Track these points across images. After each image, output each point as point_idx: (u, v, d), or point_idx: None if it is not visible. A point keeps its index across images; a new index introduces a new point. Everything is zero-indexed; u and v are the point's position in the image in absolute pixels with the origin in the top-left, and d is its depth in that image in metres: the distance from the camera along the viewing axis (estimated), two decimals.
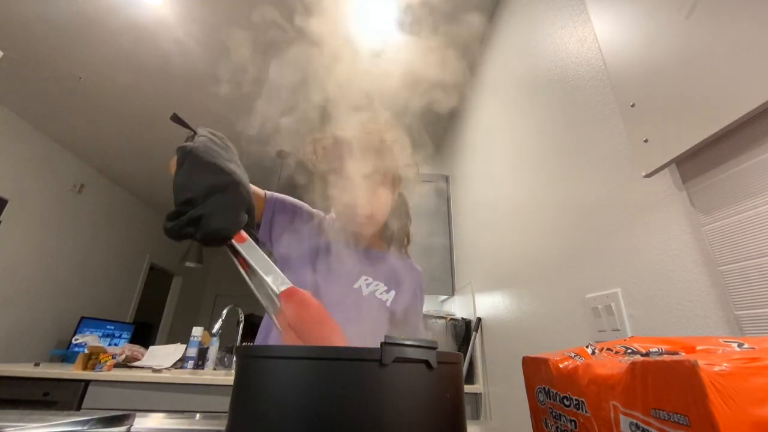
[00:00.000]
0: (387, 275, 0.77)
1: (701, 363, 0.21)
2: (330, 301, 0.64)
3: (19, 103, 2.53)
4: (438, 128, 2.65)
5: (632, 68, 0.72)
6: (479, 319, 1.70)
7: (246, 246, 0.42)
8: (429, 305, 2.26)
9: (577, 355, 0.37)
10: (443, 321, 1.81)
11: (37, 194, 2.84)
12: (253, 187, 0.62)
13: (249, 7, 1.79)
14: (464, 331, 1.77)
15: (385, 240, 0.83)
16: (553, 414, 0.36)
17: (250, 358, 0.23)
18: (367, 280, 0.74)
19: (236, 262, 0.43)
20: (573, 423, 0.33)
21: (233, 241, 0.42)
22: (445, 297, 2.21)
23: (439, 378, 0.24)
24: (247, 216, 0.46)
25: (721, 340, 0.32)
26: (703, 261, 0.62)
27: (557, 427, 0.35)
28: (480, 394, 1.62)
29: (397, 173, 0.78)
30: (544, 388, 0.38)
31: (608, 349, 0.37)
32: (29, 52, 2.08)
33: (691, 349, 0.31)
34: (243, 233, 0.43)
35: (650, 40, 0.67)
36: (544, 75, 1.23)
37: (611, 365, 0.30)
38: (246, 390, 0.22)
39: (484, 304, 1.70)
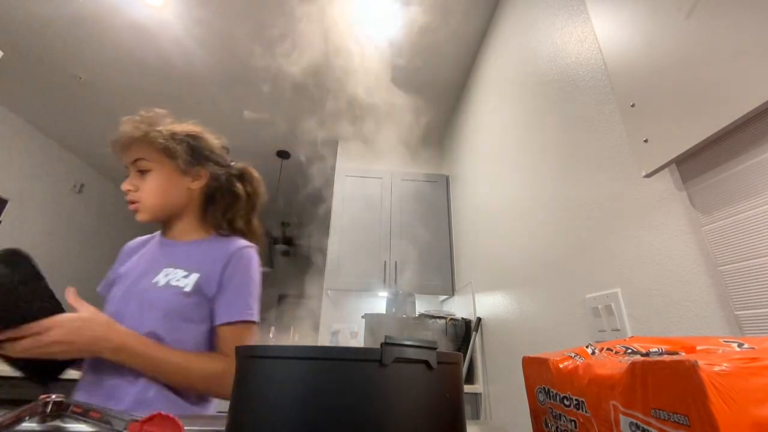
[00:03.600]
0: (188, 261, 0.73)
1: (701, 363, 0.21)
2: (114, 302, 0.69)
3: (20, 103, 2.53)
4: (439, 128, 2.65)
5: (632, 68, 0.72)
6: (479, 319, 1.70)
7: None
8: (429, 305, 2.26)
9: (577, 355, 0.37)
10: (443, 321, 1.81)
11: (37, 194, 2.84)
12: None
13: (249, 7, 1.79)
14: (464, 331, 1.77)
15: (196, 228, 0.80)
16: (553, 414, 0.36)
17: (250, 357, 0.23)
18: (167, 272, 0.71)
19: None
20: (573, 423, 0.33)
21: None
22: (445, 297, 2.21)
23: (439, 378, 0.24)
24: None
25: (721, 340, 0.32)
26: (703, 261, 0.62)
27: (557, 427, 0.35)
28: (480, 394, 1.62)
29: (177, 149, 0.75)
30: (544, 388, 0.38)
31: (608, 349, 0.37)
32: (29, 52, 2.08)
33: (691, 349, 0.31)
34: None
35: (650, 40, 0.67)
36: (544, 75, 1.23)
37: (611, 365, 0.30)
38: (246, 390, 0.22)
39: (484, 304, 1.70)
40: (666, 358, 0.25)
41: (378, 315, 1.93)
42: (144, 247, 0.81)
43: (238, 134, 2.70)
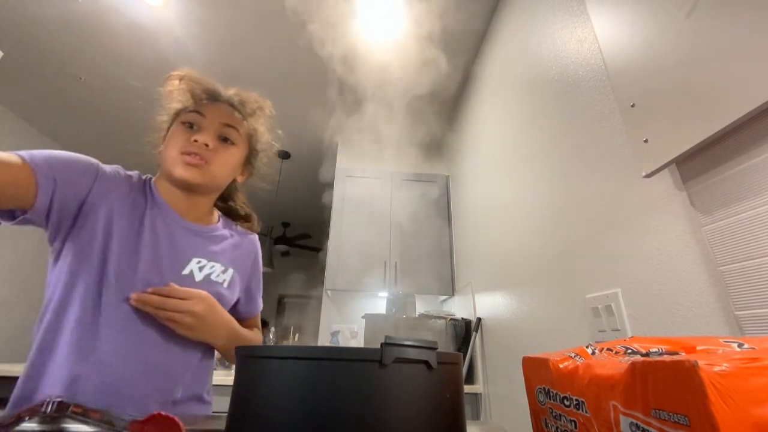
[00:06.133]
0: (222, 255, 0.68)
1: (701, 363, 0.21)
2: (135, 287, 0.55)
3: (19, 103, 2.53)
4: (439, 129, 2.66)
5: (632, 68, 0.72)
6: (479, 320, 1.70)
7: None
8: (429, 305, 2.26)
9: (577, 355, 0.37)
10: (443, 321, 1.81)
11: None
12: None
13: (248, 7, 1.79)
14: (464, 331, 1.77)
15: (211, 209, 0.73)
16: (553, 414, 0.36)
17: (251, 358, 0.23)
18: (200, 262, 0.64)
19: None
20: (573, 423, 0.33)
21: None
22: (445, 297, 2.21)
23: (439, 378, 0.24)
24: None
25: (721, 340, 0.32)
26: (703, 261, 0.62)
27: (557, 428, 0.35)
28: (480, 394, 1.62)
29: (256, 145, 0.73)
30: (544, 388, 0.38)
31: (608, 349, 0.37)
32: (30, 52, 2.09)
33: (691, 350, 0.31)
34: None
35: (650, 40, 0.67)
36: (544, 75, 1.23)
37: (611, 365, 0.30)
38: (246, 390, 0.22)
39: (484, 304, 1.70)
40: (666, 358, 0.25)
41: (378, 315, 1.93)
42: (135, 204, 0.61)
43: None
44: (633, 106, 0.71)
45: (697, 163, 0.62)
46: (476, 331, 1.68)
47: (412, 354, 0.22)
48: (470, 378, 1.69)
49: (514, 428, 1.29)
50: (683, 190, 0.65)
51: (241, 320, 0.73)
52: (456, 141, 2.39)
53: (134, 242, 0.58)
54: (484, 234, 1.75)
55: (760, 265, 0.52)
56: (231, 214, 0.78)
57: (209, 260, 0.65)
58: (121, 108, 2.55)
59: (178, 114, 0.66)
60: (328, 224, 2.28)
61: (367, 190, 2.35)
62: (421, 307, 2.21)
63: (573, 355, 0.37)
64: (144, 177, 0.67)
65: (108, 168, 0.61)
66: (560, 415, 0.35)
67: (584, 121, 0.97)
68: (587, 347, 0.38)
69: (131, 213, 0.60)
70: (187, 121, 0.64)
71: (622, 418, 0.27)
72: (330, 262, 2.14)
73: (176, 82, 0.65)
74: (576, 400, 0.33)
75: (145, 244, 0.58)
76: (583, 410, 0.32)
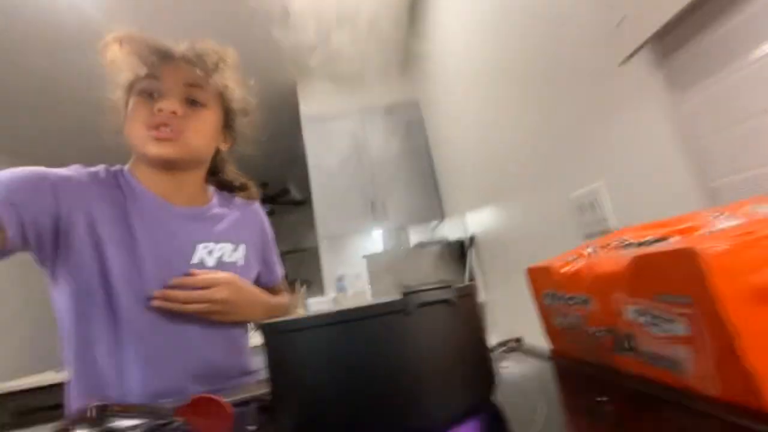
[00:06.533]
0: (227, 233, 0.64)
1: (699, 248, 0.22)
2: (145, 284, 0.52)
3: None
4: (398, 49, 2.47)
5: None
6: (472, 237, 1.78)
7: None
8: (423, 234, 2.34)
9: (578, 257, 0.39)
10: (438, 246, 1.89)
11: None
12: None
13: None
14: (460, 250, 1.86)
15: (204, 187, 0.67)
16: (561, 313, 0.39)
17: (279, 333, 0.24)
18: (206, 247, 0.60)
19: None
20: (579, 318, 0.36)
21: None
22: (436, 222, 2.28)
23: (460, 312, 0.25)
24: None
25: (706, 214, 0.34)
26: (680, 139, 0.63)
27: (566, 323, 0.38)
28: (482, 303, 1.77)
29: (230, 104, 0.63)
30: (550, 292, 0.41)
31: (605, 245, 0.39)
32: None
33: (682, 232, 0.33)
34: None
35: None
36: None
37: (612, 262, 0.32)
38: (280, 366, 0.23)
39: (476, 222, 1.76)
40: (665, 246, 0.27)
41: (377, 255, 2.00)
42: (114, 204, 0.55)
43: None
44: None
45: (672, 38, 0.60)
46: (471, 248, 1.77)
47: (432, 296, 0.23)
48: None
49: (516, 327, 1.43)
50: (660, 71, 0.64)
51: (267, 290, 0.71)
52: (423, 62, 2.25)
53: (130, 246, 0.53)
54: (464, 151, 1.74)
55: (731, 134, 0.54)
56: (226, 187, 0.72)
57: (216, 242, 0.61)
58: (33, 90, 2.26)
59: (132, 86, 0.56)
60: (308, 175, 2.23)
61: (339, 133, 2.26)
62: (415, 237, 2.29)
63: (572, 258, 0.39)
64: (113, 169, 0.60)
65: (64, 172, 0.54)
66: (567, 314, 0.38)
67: (562, 12, 0.91)
68: (585, 248, 0.40)
69: (114, 215, 0.54)
70: (145, 90, 0.55)
71: (627, 307, 0.29)
72: (318, 212, 2.13)
73: (116, 47, 0.54)
74: (581, 298, 0.35)
75: (141, 245, 0.54)
76: (588, 305, 0.34)
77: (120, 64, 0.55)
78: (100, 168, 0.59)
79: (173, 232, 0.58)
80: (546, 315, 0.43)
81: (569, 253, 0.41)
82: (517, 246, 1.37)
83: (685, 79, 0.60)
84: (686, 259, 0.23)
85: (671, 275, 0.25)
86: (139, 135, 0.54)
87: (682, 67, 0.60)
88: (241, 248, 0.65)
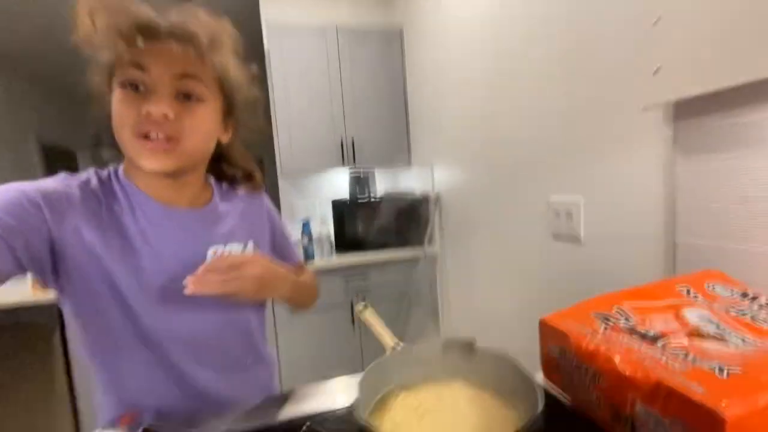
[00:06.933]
0: (232, 229, 0.61)
1: (726, 414, 0.30)
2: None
3: None
4: None
5: None
6: (438, 195, 1.84)
7: None
8: (387, 181, 2.33)
9: (593, 331, 0.46)
10: (406, 201, 1.94)
11: None
12: None
13: None
14: (426, 206, 1.92)
15: (204, 186, 0.63)
16: (569, 365, 0.47)
17: None
18: (216, 250, 0.58)
19: None
20: (587, 381, 0.44)
21: None
22: (401, 168, 2.24)
23: None
24: None
25: (678, 290, 0.45)
26: (663, 193, 0.72)
27: (570, 371, 0.47)
28: (437, 256, 1.92)
29: (231, 92, 0.56)
30: (561, 348, 0.49)
31: (613, 323, 0.46)
32: None
33: (669, 310, 0.42)
34: None
35: None
36: None
37: (632, 362, 0.39)
38: None
39: (444, 178, 1.78)
40: (693, 394, 0.33)
41: (344, 201, 1.99)
42: (113, 217, 0.51)
43: None
44: (656, 23, 0.64)
45: (692, 106, 0.63)
46: (436, 208, 1.85)
47: None
48: (430, 241, 1.94)
49: (471, 295, 1.61)
50: (669, 127, 0.69)
51: None
52: None
53: (134, 258, 0.50)
54: (447, 99, 1.65)
55: (709, 207, 0.63)
56: (228, 179, 0.67)
57: (225, 244, 0.59)
58: None
59: (112, 70, 0.47)
60: (269, 99, 1.99)
61: (309, 52, 1.99)
62: (380, 183, 2.28)
63: (589, 332, 0.46)
64: (104, 173, 0.53)
65: (50, 185, 0.46)
66: (573, 369, 0.46)
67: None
68: (598, 322, 0.47)
69: (114, 230, 0.50)
70: (129, 81, 0.46)
71: (639, 406, 0.37)
72: (282, 143, 1.98)
73: (87, 21, 0.42)
74: (593, 371, 0.43)
75: (147, 256, 0.51)
76: (599, 381, 0.43)
77: (95, 41, 0.44)
78: (91, 174, 0.52)
79: (180, 241, 0.55)
80: (548, 358, 0.51)
81: (582, 323, 0.48)
82: (483, 218, 1.45)
83: (688, 145, 0.66)
84: (710, 418, 0.30)
85: (691, 419, 0.32)
86: (130, 145, 0.47)
87: (688, 134, 0.66)
88: (250, 245, 0.63)
